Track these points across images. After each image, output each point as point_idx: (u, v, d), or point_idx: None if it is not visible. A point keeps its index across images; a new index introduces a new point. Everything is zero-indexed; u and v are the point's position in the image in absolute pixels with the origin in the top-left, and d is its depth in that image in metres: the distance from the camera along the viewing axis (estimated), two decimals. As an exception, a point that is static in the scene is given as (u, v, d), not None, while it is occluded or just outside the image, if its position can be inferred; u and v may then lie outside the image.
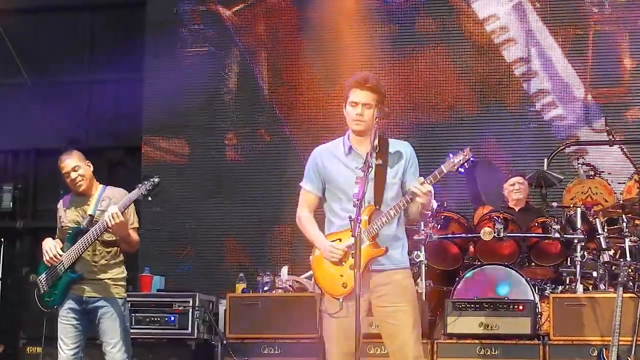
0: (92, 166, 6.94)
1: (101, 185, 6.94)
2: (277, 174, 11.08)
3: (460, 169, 5.54)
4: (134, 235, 6.85)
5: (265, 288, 8.75)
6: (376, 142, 5.70)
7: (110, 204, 6.74)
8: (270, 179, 11.14)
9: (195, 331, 8.62)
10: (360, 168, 5.55)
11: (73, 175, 6.84)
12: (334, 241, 5.68)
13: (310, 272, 9.24)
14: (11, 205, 11.63)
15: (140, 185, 6.61)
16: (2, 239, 11.09)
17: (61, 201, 7.04)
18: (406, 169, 5.77)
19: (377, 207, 5.66)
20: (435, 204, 5.76)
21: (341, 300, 5.61)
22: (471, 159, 5.52)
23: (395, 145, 5.83)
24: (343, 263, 5.65)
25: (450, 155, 5.59)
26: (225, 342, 8.33)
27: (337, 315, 5.59)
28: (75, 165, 6.83)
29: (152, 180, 6.61)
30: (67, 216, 6.90)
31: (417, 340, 5.68)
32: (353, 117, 5.72)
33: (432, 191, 5.62)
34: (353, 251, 5.47)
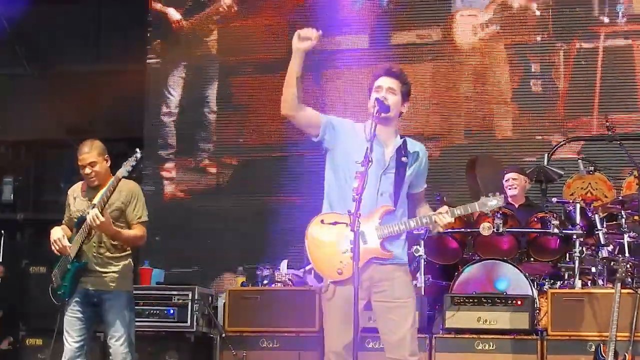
0: (109, 160, 6.88)
1: (113, 177, 6.82)
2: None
3: (489, 213, 5.57)
4: (135, 232, 6.83)
5: (265, 282, 8.76)
6: (398, 138, 5.71)
7: (120, 197, 6.76)
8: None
9: (195, 324, 8.63)
10: (360, 162, 5.42)
11: (87, 170, 6.79)
12: (335, 223, 5.56)
13: (310, 266, 9.31)
14: (12, 197, 11.65)
15: (125, 163, 6.58)
16: (3, 231, 11.10)
17: (73, 188, 7.00)
18: (418, 172, 5.76)
19: (395, 206, 5.64)
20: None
21: (329, 282, 5.60)
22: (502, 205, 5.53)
23: (413, 145, 5.79)
24: (343, 249, 5.56)
25: (487, 196, 5.60)
26: (224, 335, 8.34)
27: (327, 297, 5.58)
28: (92, 161, 6.77)
29: (134, 156, 6.56)
30: (76, 205, 6.89)
31: (414, 337, 5.69)
32: (375, 101, 5.61)
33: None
34: (363, 243, 5.47)
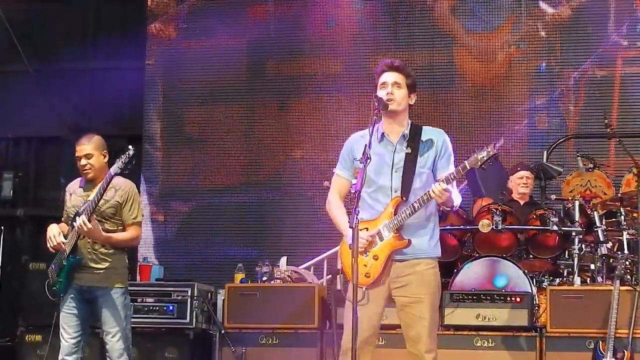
0: (107, 156, 6.90)
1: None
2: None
3: (483, 166, 5.52)
4: (130, 233, 6.84)
5: (264, 278, 8.75)
6: (406, 130, 5.73)
7: (116, 195, 6.77)
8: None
9: (194, 321, 8.63)
10: (359, 160, 5.53)
11: (83, 162, 6.84)
12: (361, 230, 5.57)
13: (309, 263, 9.36)
14: (12, 193, 11.66)
15: (117, 160, 6.58)
16: (3, 227, 11.11)
17: (70, 185, 7.05)
18: (437, 158, 5.73)
19: (404, 197, 5.64)
20: (458, 201, 5.72)
21: (364, 289, 5.61)
22: (494, 155, 5.48)
23: (428, 133, 5.78)
24: (367, 253, 5.64)
25: (475, 151, 5.56)
26: (223, 332, 8.35)
27: (360, 304, 5.51)
28: (88, 153, 6.83)
29: (127, 153, 6.56)
30: (72, 201, 6.91)
31: (432, 333, 5.67)
32: (374, 99, 5.66)
33: (450, 189, 5.54)
34: (380, 240, 5.58)
